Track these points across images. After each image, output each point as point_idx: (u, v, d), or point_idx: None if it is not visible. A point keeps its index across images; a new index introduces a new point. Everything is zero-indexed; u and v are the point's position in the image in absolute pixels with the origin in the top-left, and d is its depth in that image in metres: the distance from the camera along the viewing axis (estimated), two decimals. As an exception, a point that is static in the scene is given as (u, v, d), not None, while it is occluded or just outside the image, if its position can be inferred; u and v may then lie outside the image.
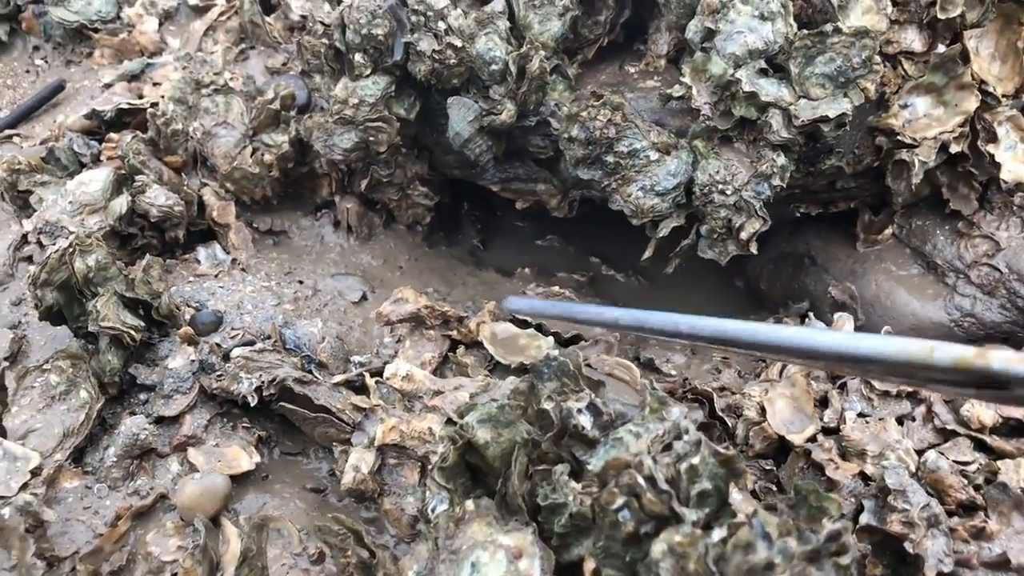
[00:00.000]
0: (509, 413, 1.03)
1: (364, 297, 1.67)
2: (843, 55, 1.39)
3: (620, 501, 0.86)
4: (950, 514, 1.27)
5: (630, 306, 1.84)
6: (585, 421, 1.02)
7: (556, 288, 1.66)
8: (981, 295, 1.56)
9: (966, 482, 1.29)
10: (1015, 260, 1.55)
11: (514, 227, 1.92)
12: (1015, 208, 1.60)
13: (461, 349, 1.48)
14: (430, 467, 1.01)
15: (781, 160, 1.42)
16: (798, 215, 1.75)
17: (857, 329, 1.59)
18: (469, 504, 1.01)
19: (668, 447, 0.93)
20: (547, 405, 1.02)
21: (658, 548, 0.81)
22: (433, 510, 1.02)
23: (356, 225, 1.81)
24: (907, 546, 1.15)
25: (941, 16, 1.43)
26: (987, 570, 1.21)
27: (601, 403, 1.03)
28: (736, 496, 0.96)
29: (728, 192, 1.42)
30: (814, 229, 1.73)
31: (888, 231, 1.65)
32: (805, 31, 1.40)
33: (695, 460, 0.87)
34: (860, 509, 1.24)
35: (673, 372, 1.52)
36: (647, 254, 1.52)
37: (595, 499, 0.89)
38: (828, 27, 1.38)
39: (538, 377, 1.09)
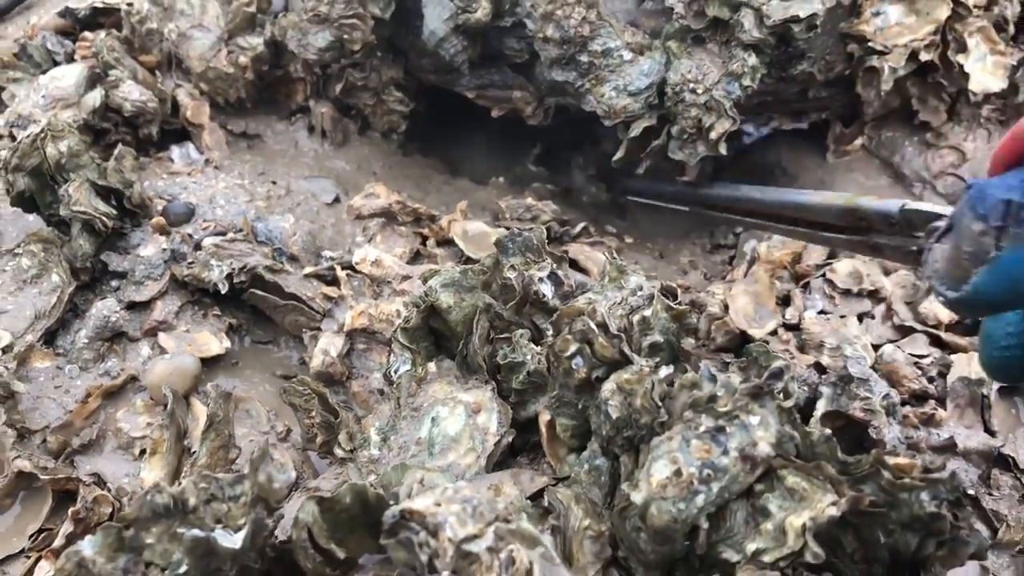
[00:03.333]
0: (472, 278, 1.04)
1: (337, 199, 1.68)
2: (816, -45, 1.40)
3: (573, 348, 0.89)
4: (904, 403, 1.31)
5: (602, 217, 1.87)
6: (546, 290, 1.04)
7: (530, 200, 1.67)
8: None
9: (920, 373, 1.33)
10: (980, 170, 1.57)
11: (490, 136, 1.92)
12: (982, 120, 1.62)
13: (431, 242, 1.49)
14: (393, 330, 1.03)
15: (752, 60, 1.43)
16: (772, 129, 1.76)
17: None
18: (431, 366, 1.03)
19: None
20: (510, 275, 1.04)
21: (607, 387, 0.84)
22: (396, 371, 1.04)
23: (331, 130, 1.81)
24: (871, 432, 1.19)
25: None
26: (934, 453, 1.25)
27: (563, 274, 1.05)
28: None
29: (699, 91, 1.44)
30: (787, 142, 1.75)
31: (858, 142, 1.67)
32: (779, -70, 1.41)
33: (647, 312, 0.89)
34: (815, 397, 1.27)
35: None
36: (619, 155, 1.53)
37: (550, 348, 0.91)
38: (801, -75, 1.39)
39: (503, 251, 1.10)
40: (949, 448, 1.26)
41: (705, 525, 0.78)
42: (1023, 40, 1.89)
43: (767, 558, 0.76)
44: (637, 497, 0.78)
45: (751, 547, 0.77)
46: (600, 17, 1.48)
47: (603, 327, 0.88)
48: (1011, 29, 1.66)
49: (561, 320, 0.94)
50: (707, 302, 1.45)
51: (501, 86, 1.74)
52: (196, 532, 0.76)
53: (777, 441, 0.80)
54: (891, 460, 0.80)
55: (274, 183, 1.68)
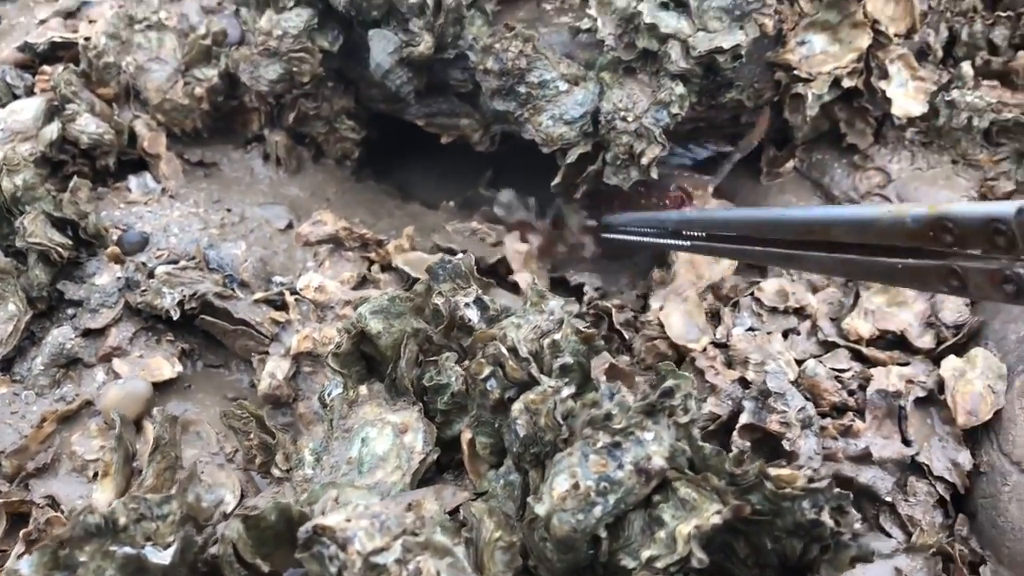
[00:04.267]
0: (399, 305, 1.11)
1: (290, 225, 1.73)
2: (737, -10, 1.47)
3: (487, 371, 0.95)
4: (824, 415, 1.38)
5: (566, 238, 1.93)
6: (472, 314, 1.10)
7: (475, 223, 1.74)
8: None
9: (840, 386, 1.39)
10: (904, 190, 1.65)
11: (437, 164, 1.99)
12: (906, 142, 1.70)
13: (376, 268, 1.55)
14: (325, 355, 1.09)
15: (679, 89, 1.50)
16: (711, 153, 1.84)
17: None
18: (363, 388, 1.09)
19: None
20: (438, 300, 1.10)
21: (516, 407, 0.90)
22: (329, 394, 1.10)
23: (285, 158, 1.87)
24: (784, 444, 1.25)
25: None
26: (852, 463, 1.32)
27: (488, 299, 1.12)
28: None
29: (629, 119, 1.51)
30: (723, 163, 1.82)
31: (790, 164, 1.74)
32: (702, -34, 1.48)
33: (557, 336, 0.96)
34: (739, 410, 1.34)
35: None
36: (556, 180, 1.60)
37: (466, 370, 0.97)
38: (722, -37, 1.46)
39: (434, 278, 1.17)
40: (865, 458, 1.32)
41: (604, 535, 0.84)
42: (951, 65, 1.99)
43: (660, 564, 0.82)
44: (541, 509, 0.84)
45: (646, 554, 0.83)
46: (536, 50, 1.55)
47: (513, 351, 0.94)
48: (939, 53, 1.75)
49: (476, 345, 1.00)
50: (641, 319, 1.52)
51: (449, 114, 1.81)
52: (127, 549, 0.81)
53: (670, 455, 0.86)
54: (775, 471, 0.86)
55: (229, 210, 1.74)
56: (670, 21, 1.49)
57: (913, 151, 1.69)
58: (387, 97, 1.78)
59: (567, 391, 0.89)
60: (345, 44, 1.72)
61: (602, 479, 0.83)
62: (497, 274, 1.63)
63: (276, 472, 1.08)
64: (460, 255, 1.17)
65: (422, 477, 1.01)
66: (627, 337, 1.49)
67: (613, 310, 1.50)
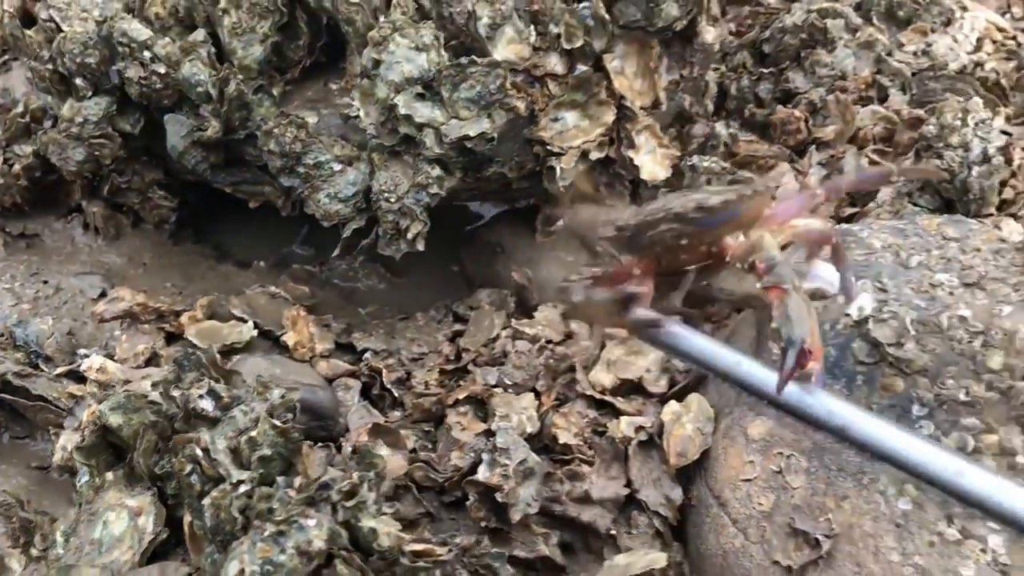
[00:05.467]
0: (135, 401, 1.27)
1: (103, 294, 1.87)
2: (481, 82, 1.65)
3: (188, 468, 1.12)
4: (562, 462, 1.57)
5: (365, 298, 2.08)
6: (206, 404, 1.27)
7: (273, 288, 1.88)
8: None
9: (576, 434, 1.59)
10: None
11: (256, 223, 2.13)
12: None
13: (161, 343, 1.70)
14: (72, 447, 1.24)
15: (436, 172, 1.68)
16: (497, 211, 2.02)
17: (531, 305, 1.87)
18: (109, 475, 1.25)
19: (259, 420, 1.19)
20: (175, 393, 1.26)
21: (206, 501, 1.07)
22: (79, 481, 1.25)
23: (103, 227, 2.00)
24: (497, 496, 1.43)
25: (567, 46, 1.70)
26: (575, 504, 1.52)
27: (223, 388, 1.28)
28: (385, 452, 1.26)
29: (392, 200, 1.68)
30: (506, 222, 2.01)
31: (560, 223, 1.93)
32: (449, 61, 1.66)
33: (254, 433, 1.13)
34: (479, 462, 1.52)
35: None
36: (335, 252, 1.77)
37: (172, 466, 1.14)
38: (464, 60, 1.64)
39: (180, 368, 1.33)
40: (587, 499, 1.52)
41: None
42: (724, 116, 2.21)
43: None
44: (219, 590, 1.02)
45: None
46: (309, 135, 1.71)
47: (206, 451, 1.11)
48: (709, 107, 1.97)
49: (178, 445, 1.17)
50: (411, 378, 1.70)
51: (252, 182, 1.96)
52: None
53: (330, 537, 1.04)
54: (417, 546, 1.04)
55: (45, 282, 1.87)
56: (424, 111, 1.66)
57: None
58: (191, 170, 1.93)
59: (244, 488, 1.06)
60: (148, 125, 1.86)
61: (266, 563, 1.01)
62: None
63: (34, 552, 1.23)
64: (203, 348, 1.33)
65: (151, 555, 1.18)
66: (397, 395, 1.66)
67: (384, 370, 1.67)
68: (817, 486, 1.40)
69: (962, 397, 1.34)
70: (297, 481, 1.07)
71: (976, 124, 1.68)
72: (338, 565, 1.04)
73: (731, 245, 1.26)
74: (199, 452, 1.11)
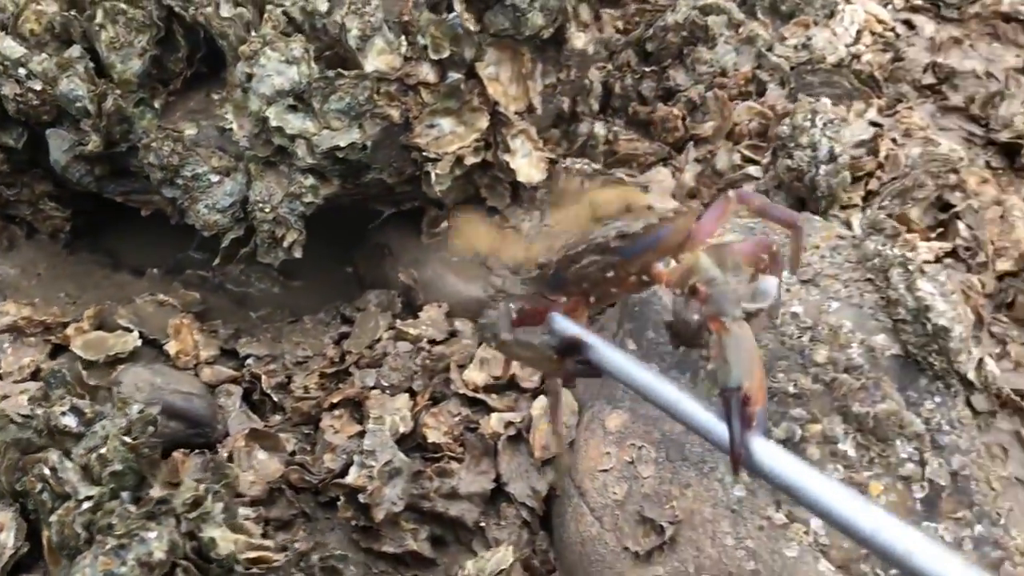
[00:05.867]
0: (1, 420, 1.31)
1: (-6, 307, 1.90)
2: (350, 93, 1.70)
3: (39, 486, 1.17)
4: (432, 460, 1.65)
5: (258, 302, 2.13)
6: (69, 421, 1.32)
7: (162, 296, 1.91)
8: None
9: (448, 430, 1.66)
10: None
11: (152, 230, 2.16)
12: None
13: (44, 357, 1.74)
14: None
15: (310, 181, 1.73)
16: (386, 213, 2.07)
17: (417, 306, 1.94)
18: (-27, 492, 1.30)
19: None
20: (39, 411, 1.31)
21: (53, 518, 1.13)
22: (-56, 499, 1.30)
23: (-5, 239, 2.03)
24: (360, 497, 1.50)
25: (435, 56, 1.76)
26: (443, 499, 1.59)
27: (86, 405, 1.33)
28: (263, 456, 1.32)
29: (267, 210, 1.73)
30: (394, 224, 2.06)
31: (444, 225, 2.00)
32: (320, 73, 1.70)
33: (103, 450, 1.18)
34: (350, 464, 1.59)
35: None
36: (217, 261, 1.81)
37: (24, 485, 1.20)
38: (331, 73, 1.69)
39: (49, 385, 1.38)
40: (454, 495, 1.60)
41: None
42: (609, 114, 2.28)
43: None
44: (64, 602, 1.08)
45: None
46: (187, 147, 1.76)
47: (54, 470, 1.17)
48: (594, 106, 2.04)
49: (28, 464, 1.22)
50: (292, 383, 1.76)
51: (142, 192, 1.99)
52: None
53: (170, 548, 1.10)
54: (253, 553, 1.11)
55: (-64, 296, 1.90)
56: (296, 122, 1.71)
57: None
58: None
59: (87, 504, 1.12)
60: (32, 137, 1.89)
61: (107, 575, 1.07)
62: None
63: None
64: (68, 365, 1.38)
65: (12, 568, 1.23)
66: (277, 400, 1.72)
67: (264, 376, 1.73)
68: (664, 475, 1.49)
69: (791, 389, 1.44)
70: (149, 494, 1.13)
71: (824, 124, 1.76)
72: (179, 574, 1.10)
73: (663, 272, 1.17)
74: (47, 471, 1.16)
